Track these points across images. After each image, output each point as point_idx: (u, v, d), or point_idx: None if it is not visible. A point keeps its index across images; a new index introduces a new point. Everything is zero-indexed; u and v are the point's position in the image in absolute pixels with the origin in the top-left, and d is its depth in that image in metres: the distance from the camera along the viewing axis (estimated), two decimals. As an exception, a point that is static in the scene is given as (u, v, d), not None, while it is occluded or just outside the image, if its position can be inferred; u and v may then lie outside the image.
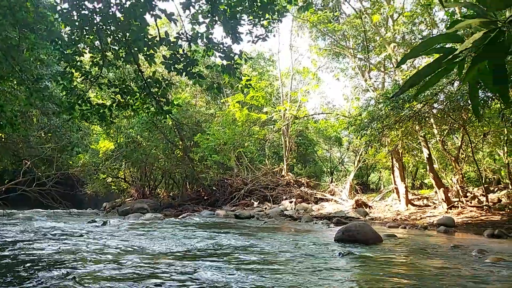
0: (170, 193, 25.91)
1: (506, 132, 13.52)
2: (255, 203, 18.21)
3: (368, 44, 17.95)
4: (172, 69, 6.60)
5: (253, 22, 7.78)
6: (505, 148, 14.11)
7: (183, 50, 6.71)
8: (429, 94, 10.97)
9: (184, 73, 6.67)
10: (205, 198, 20.63)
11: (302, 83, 27.67)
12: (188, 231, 8.86)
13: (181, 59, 6.60)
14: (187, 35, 6.68)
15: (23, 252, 5.27)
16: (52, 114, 13.95)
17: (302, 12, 15.58)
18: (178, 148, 22.84)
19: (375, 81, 19.23)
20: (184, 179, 24.98)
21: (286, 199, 18.11)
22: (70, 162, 20.52)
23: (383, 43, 16.15)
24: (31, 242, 6.28)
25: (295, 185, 19.89)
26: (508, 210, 11.97)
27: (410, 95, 10.93)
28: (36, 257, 4.85)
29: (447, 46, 1.95)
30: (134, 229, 9.17)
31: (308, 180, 20.98)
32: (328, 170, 28.87)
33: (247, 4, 7.14)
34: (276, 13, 7.78)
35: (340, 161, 29.00)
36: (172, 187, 28.09)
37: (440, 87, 10.93)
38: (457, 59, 1.86)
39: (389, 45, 15.35)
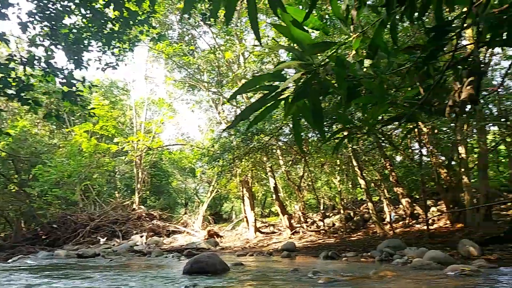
0: (1, 234, 22.43)
1: (339, 163, 15.33)
2: (102, 240, 16.92)
3: (221, 78, 18.74)
4: (2, 94, 5.84)
5: (102, 49, 7.46)
6: (338, 177, 15.94)
7: (16, 74, 6.02)
8: (274, 127, 11.86)
9: (16, 99, 5.97)
10: (43, 237, 18.36)
11: (158, 114, 27.35)
12: (15, 277, 7.70)
13: (13, 83, 5.89)
14: (22, 57, 6.04)
15: None
16: None
17: (155, 43, 15.58)
18: (13, 182, 20.13)
19: (228, 114, 20.07)
20: (19, 217, 21.95)
21: (137, 233, 17.29)
22: None
23: (235, 79, 17.04)
24: None
25: (147, 219, 19.17)
26: (341, 233, 13.44)
27: (259, 128, 11.66)
28: None
29: (273, 84, 2.10)
30: None
31: (161, 213, 20.47)
32: (183, 201, 28.68)
33: (95, 29, 6.82)
34: (126, 42, 7.60)
35: (194, 192, 29.06)
36: (4, 227, 24.42)
37: (284, 122, 11.93)
38: (282, 96, 2.03)
39: (240, 81, 16.27)
